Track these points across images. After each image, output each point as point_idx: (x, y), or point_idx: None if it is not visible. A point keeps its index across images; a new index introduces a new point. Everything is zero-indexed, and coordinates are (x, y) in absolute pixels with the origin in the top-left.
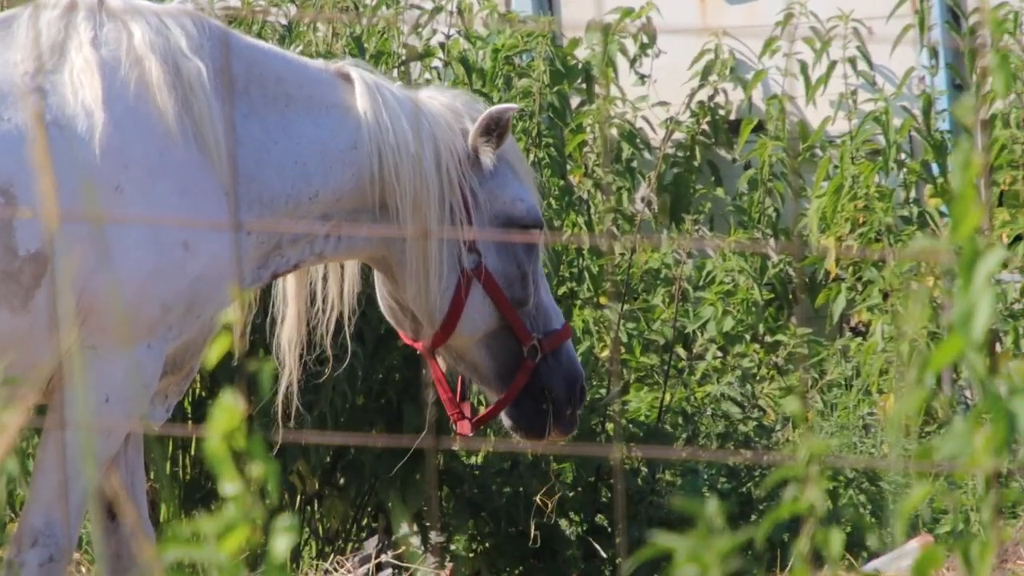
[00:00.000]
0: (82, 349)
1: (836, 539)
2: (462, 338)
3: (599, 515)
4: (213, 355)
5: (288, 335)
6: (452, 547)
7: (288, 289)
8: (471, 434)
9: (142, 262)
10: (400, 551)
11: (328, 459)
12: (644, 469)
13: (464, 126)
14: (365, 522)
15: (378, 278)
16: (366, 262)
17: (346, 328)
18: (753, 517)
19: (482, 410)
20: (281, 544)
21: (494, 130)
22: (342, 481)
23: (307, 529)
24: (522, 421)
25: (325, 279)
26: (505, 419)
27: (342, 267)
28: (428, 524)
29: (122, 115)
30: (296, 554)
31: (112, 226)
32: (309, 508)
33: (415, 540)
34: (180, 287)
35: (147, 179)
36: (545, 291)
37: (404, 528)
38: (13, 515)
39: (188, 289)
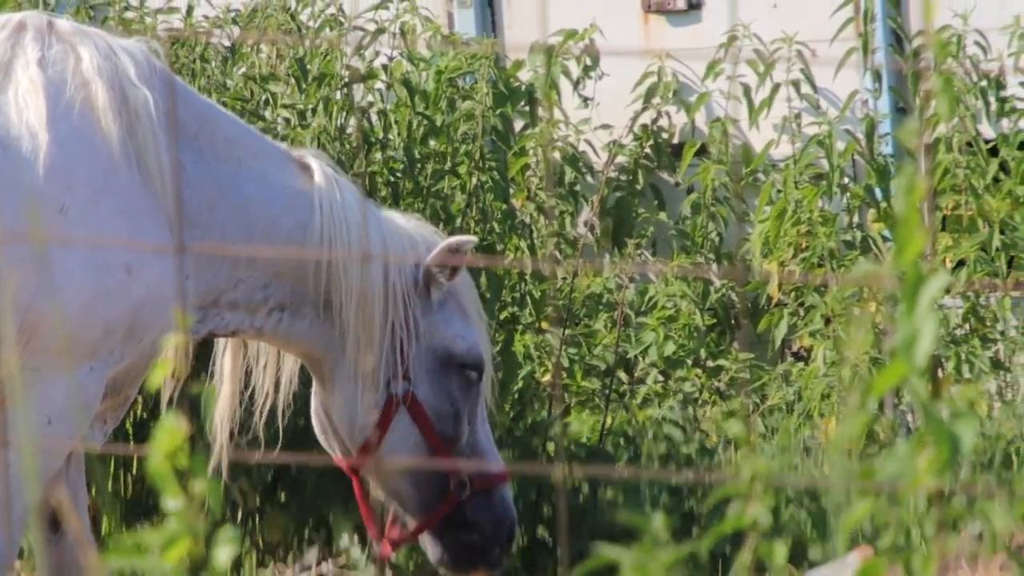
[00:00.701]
0: (25, 371)
1: (780, 551)
2: (384, 463)
3: (541, 528)
4: (156, 377)
5: (220, 413)
6: (393, 558)
7: (225, 367)
8: (391, 555)
9: (85, 284)
10: (342, 562)
11: (270, 477)
12: (585, 487)
13: (419, 253)
14: (307, 534)
15: (314, 391)
16: (303, 360)
17: (279, 422)
18: (695, 533)
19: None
20: (223, 555)
21: (454, 264)
22: (284, 497)
23: (248, 541)
24: (445, 554)
25: (265, 368)
26: (429, 550)
27: (280, 357)
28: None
29: (66, 136)
30: (237, 565)
31: (56, 248)
32: (251, 521)
33: (356, 551)
34: (122, 310)
35: (90, 200)
36: (485, 435)
37: (345, 539)
38: None
39: (130, 313)
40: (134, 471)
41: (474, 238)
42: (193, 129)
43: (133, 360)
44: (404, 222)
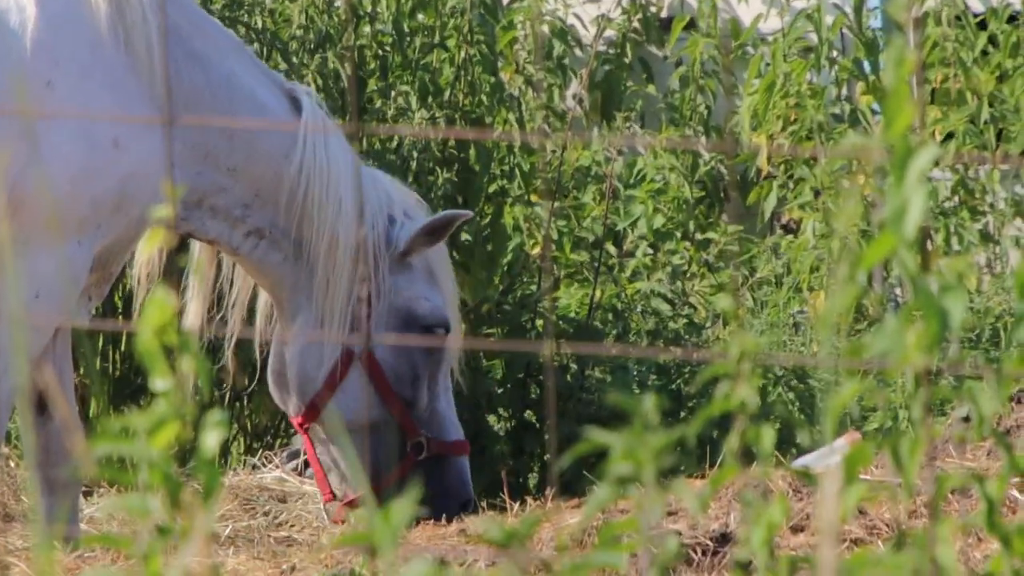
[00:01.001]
0: (12, 244)
1: (768, 435)
2: (333, 421)
3: (528, 411)
4: (146, 249)
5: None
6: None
7: (195, 283)
8: (341, 518)
9: (72, 158)
10: None
11: (258, 355)
12: (574, 366)
13: (393, 213)
14: None
15: (274, 338)
16: (271, 298)
17: (257, 355)
18: (683, 414)
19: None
20: (211, 439)
21: (438, 231)
22: None
23: (235, 425)
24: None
25: (236, 298)
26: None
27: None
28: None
29: (54, 12)
30: (225, 450)
31: (43, 122)
32: (238, 404)
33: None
34: (110, 184)
35: (78, 76)
36: (447, 404)
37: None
38: None
39: (118, 186)
40: (123, 348)
41: (469, 213)
42: (187, 32)
43: (120, 234)
44: (389, 182)
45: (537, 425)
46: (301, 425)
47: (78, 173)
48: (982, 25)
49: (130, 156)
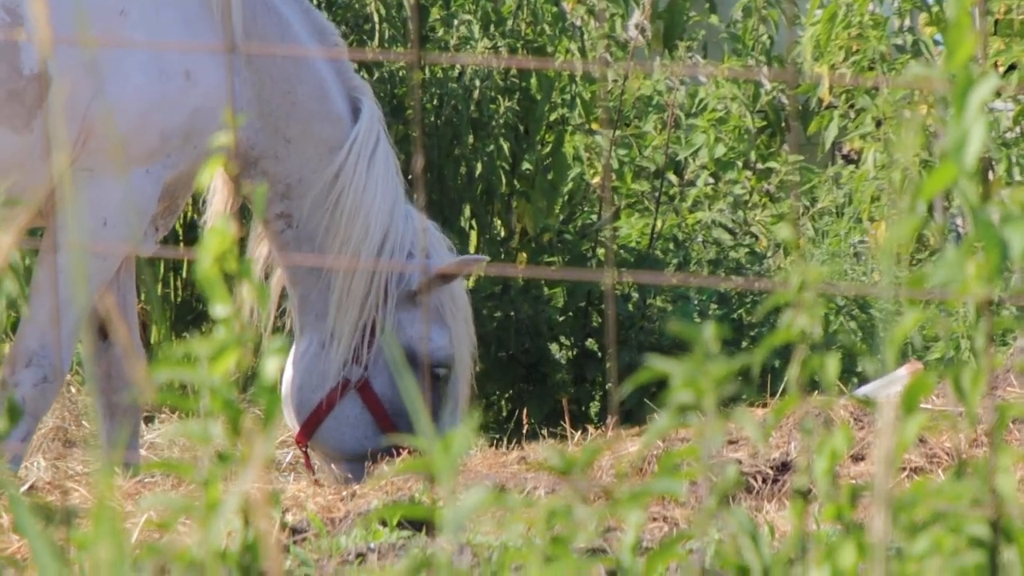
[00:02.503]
0: (80, 172)
1: (832, 365)
2: (327, 448)
3: (589, 340)
4: (205, 177)
5: None
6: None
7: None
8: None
9: (143, 89)
10: None
11: None
12: (635, 295)
13: (414, 251)
14: None
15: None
16: (288, 289)
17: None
18: (744, 343)
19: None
20: (271, 366)
21: (449, 276)
22: None
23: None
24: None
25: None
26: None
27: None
28: None
29: None
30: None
31: (115, 51)
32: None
33: None
34: (180, 116)
35: (151, 6)
36: None
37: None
38: (6, 336)
39: (188, 118)
40: (184, 274)
41: (485, 258)
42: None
43: (187, 166)
44: (421, 219)
45: (598, 353)
46: (298, 443)
47: (148, 103)
48: None
49: (200, 88)
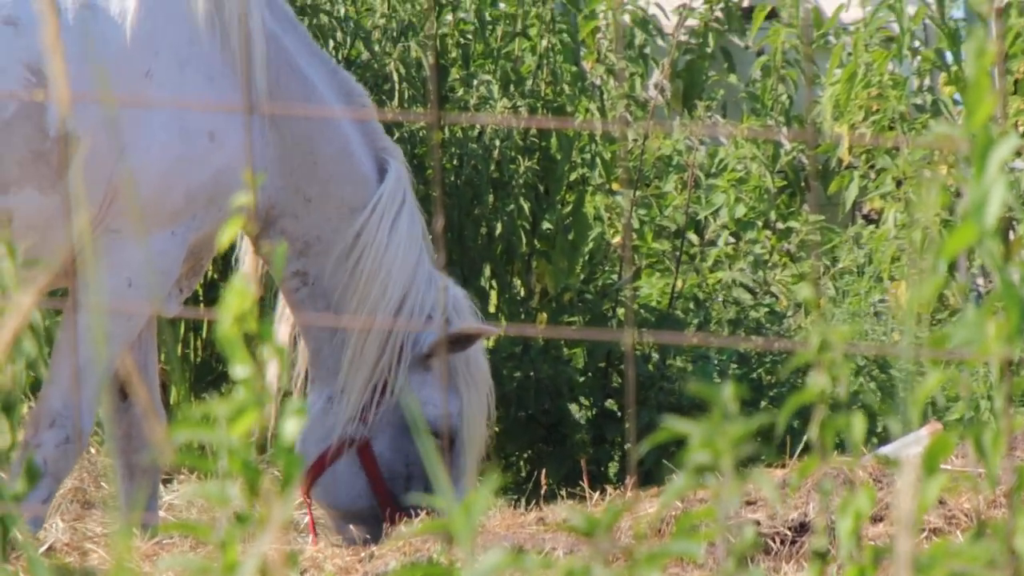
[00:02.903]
0: (106, 233)
1: (858, 425)
2: (321, 502)
3: (609, 400)
4: (225, 237)
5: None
6: None
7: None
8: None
9: (168, 149)
10: None
11: None
12: (655, 355)
13: (434, 314)
14: None
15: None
16: (302, 343)
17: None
18: (764, 403)
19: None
20: (290, 427)
21: (462, 342)
22: None
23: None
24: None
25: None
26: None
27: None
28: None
29: (154, 2)
30: None
31: (139, 112)
32: None
33: None
34: (205, 176)
35: (176, 66)
36: None
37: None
38: (26, 397)
39: (212, 179)
40: (204, 334)
41: (497, 329)
42: (290, 47)
43: (212, 227)
44: (444, 282)
45: (618, 413)
46: (303, 496)
47: (172, 164)
48: None
49: (225, 150)
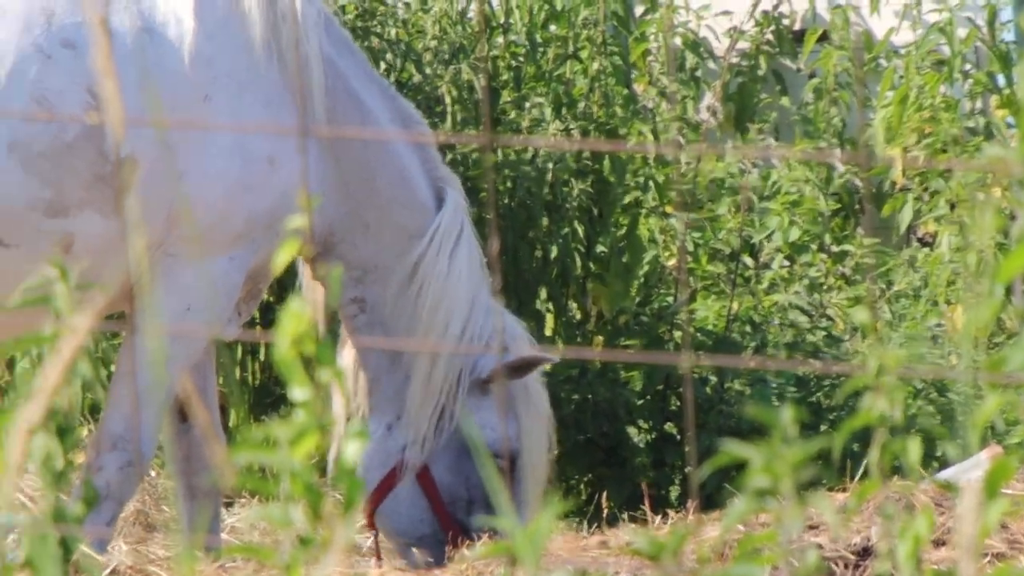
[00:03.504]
0: (165, 257)
1: (914, 449)
2: (383, 528)
3: (668, 423)
4: (281, 260)
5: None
6: None
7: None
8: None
9: (228, 174)
10: None
11: None
12: (713, 378)
13: (491, 342)
14: None
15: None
16: (360, 371)
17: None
18: (822, 427)
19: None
20: (352, 449)
21: (521, 369)
22: None
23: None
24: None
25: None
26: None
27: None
28: None
29: (213, 26)
30: None
31: (199, 136)
32: None
33: None
34: (264, 201)
35: (235, 90)
36: None
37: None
38: (84, 419)
39: (271, 204)
40: (261, 357)
41: (555, 358)
42: (347, 71)
43: (271, 251)
44: (500, 311)
45: (677, 437)
46: (367, 524)
47: (233, 189)
48: None
49: (284, 174)
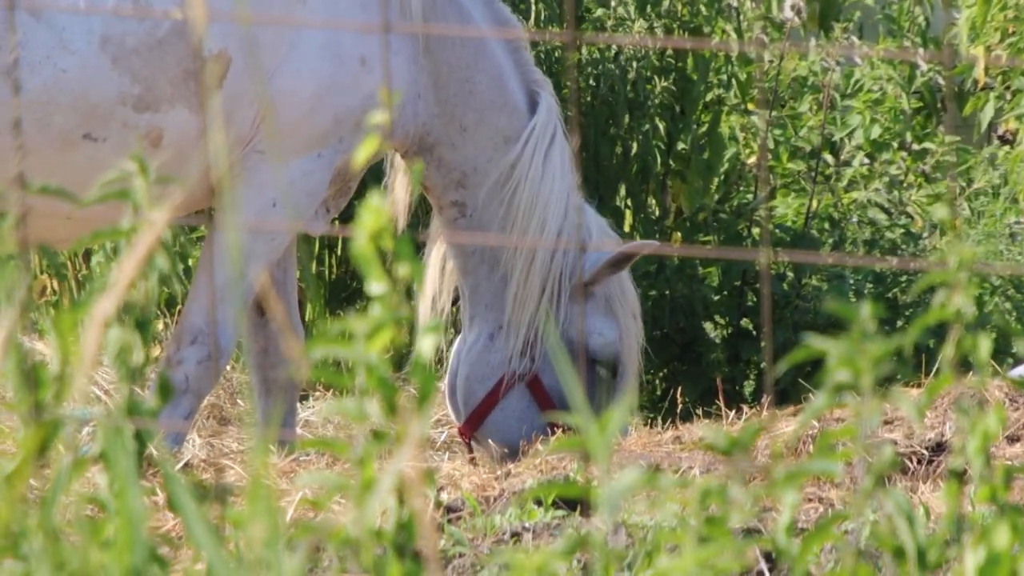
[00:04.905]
0: (253, 153)
1: (984, 345)
2: (494, 444)
3: (744, 319)
4: (362, 155)
5: None
6: None
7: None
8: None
9: (320, 72)
10: None
11: None
12: (790, 274)
13: (585, 240)
14: None
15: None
16: (458, 280)
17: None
18: (899, 323)
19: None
20: (427, 344)
21: (621, 263)
22: None
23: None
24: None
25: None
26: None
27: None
28: None
29: None
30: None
31: (292, 34)
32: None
33: None
34: (354, 101)
35: None
36: None
37: None
38: (160, 313)
39: (361, 104)
40: (339, 252)
41: (654, 242)
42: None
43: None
44: (590, 212)
45: (753, 333)
46: (462, 435)
47: (324, 87)
48: None
49: (375, 74)
